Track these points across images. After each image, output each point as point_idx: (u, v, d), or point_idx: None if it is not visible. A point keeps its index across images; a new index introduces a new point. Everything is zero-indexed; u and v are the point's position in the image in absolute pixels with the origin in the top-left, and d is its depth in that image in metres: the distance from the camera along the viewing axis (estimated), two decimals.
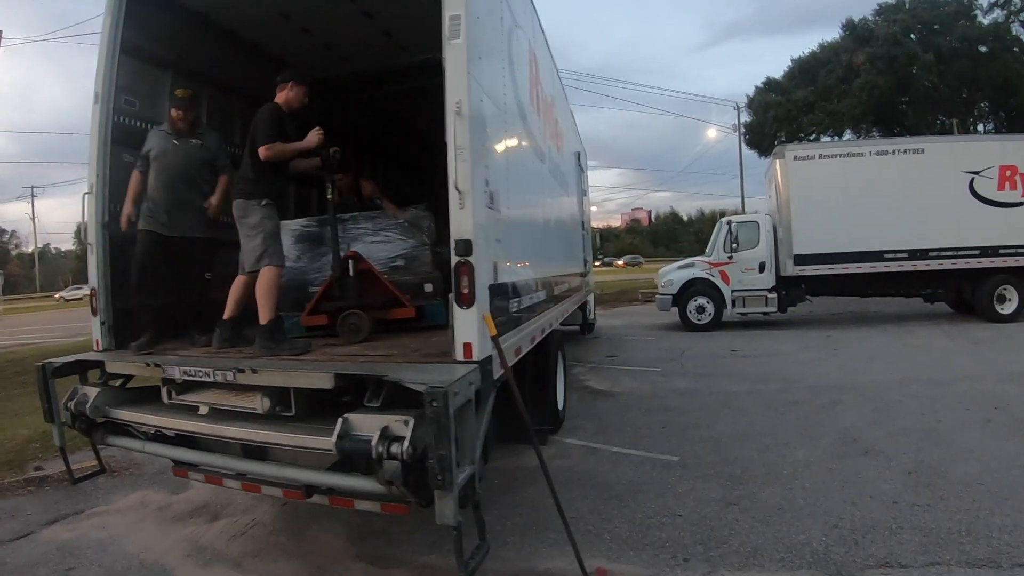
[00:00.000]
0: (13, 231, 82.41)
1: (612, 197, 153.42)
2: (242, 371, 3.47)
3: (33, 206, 70.86)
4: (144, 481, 5.83)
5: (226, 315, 4.47)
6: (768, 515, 4.40)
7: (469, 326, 3.27)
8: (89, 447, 4.58)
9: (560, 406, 6.67)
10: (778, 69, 39.07)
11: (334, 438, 2.94)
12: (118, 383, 4.35)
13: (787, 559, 3.79)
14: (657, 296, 15.64)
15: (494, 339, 3.37)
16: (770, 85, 34.86)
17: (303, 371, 3.41)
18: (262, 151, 4.26)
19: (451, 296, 3.31)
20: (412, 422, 2.84)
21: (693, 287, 14.72)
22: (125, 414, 4.04)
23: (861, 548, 3.85)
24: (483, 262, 3.34)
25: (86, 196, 4.58)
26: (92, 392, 4.13)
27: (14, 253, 79.58)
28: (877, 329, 13.52)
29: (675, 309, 14.93)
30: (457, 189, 3.19)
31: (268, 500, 5.05)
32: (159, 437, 4.14)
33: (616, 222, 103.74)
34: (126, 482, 5.85)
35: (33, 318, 36.32)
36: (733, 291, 14.45)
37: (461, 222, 3.23)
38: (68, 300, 54.47)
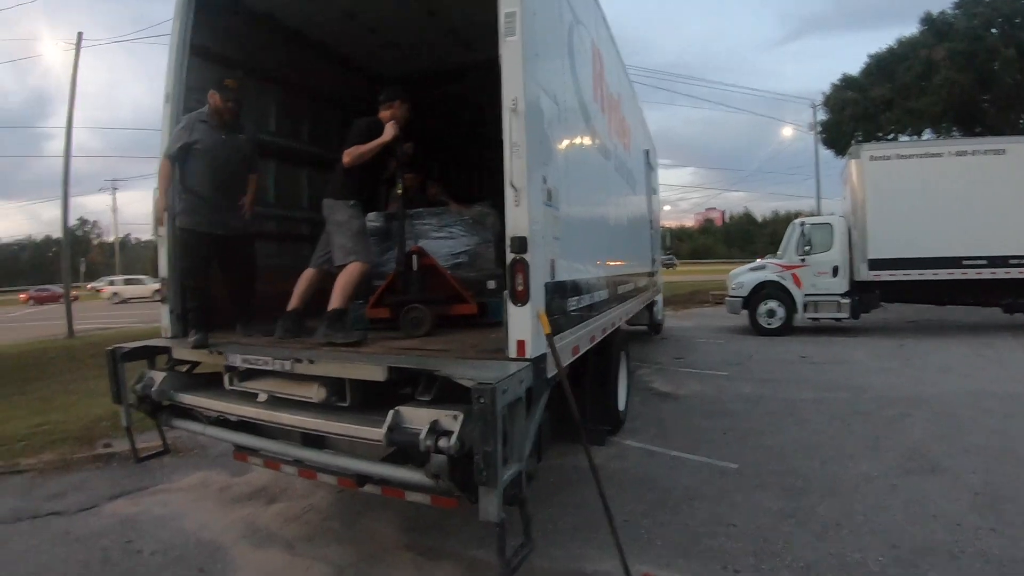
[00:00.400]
0: (95, 221, 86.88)
1: (686, 196, 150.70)
2: (299, 361, 3.57)
3: (114, 198, 73.88)
4: (207, 462, 6.05)
5: (290, 307, 4.58)
6: (825, 530, 4.25)
7: (523, 324, 3.26)
8: (156, 428, 4.78)
9: (621, 407, 6.60)
10: (856, 65, 37.63)
11: (384, 429, 2.99)
12: (184, 369, 4.52)
13: None
14: (727, 298, 15.23)
15: (548, 337, 3.34)
16: (847, 82, 33.46)
17: (358, 363, 3.46)
18: (343, 157, 4.44)
19: (506, 293, 3.30)
20: (461, 417, 2.86)
21: (764, 290, 14.30)
22: (188, 398, 4.20)
23: (919, 571, 3.68)
24: (539, 259, 3.32)
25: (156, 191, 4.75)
26: (159, 376, 4.32)
27: (96, 242, 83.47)
28: (953, 339, 12.88)
29: (745, 312, 14.53)
30: (512, 186, 3.19)
31: (324, 487, 5.16)
32: (221, 422, 4.24)
33: (690, 222, 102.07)
34: (190, 462, 6.10)
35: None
36: (805, 295, 13.96)
37: (516, 219, 3.22)
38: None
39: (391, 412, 3.03)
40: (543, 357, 3.34)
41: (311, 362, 3.54)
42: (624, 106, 7.32)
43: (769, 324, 14.17)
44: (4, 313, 35.37)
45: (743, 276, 14.95)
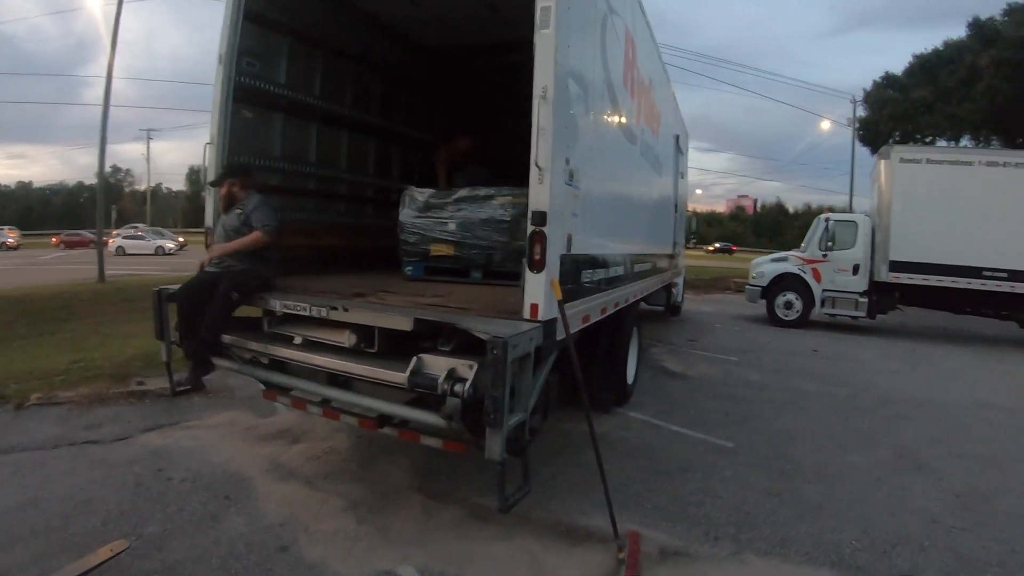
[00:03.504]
0: (128, 170, 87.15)
1: (720, 182, 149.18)
2: (335, 308, 3.93)
3: (148, 148, 74.45)
4: (234, 403, 6.45)
5: None
6: (806, 511, 4.52)
7: (537, 289, 3.60)
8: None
9: (629, 380, 6.90)
10: (901, 64, 36.77)
11: (407, 373, 3.36)
12: None
13: (813, 555, 3.93)
14: (747, 286, 15.45)
15: (560, 304, 3.68)
16: (889, 81, 32.86)
17: (388, 313, 3.82)
18: None
19: (525, 260, 3.63)
20: (476, 367, 3.23)
21: (784, 281, 14.50)
22: (227, 338, 4.53)
23: (888, 558, 3.93)
24: (556, 233, 3.64)
25: (207, 146, 5.06)
26: None
27: (127, 190, 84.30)
28: (965, 349, 12.98)
29: (763, 302, 14.77)
30: (538, 166, 3.51)
31: (344, 431, 5.57)
32: (254, 362, 4.61)
33: (721, 207, 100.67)
34: (218, 403, 6.49)
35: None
36: (823, 290, 14.11)
37: (538, 195, 3.55)
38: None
39: (414, 358, 3.40)
40: (553, 321, 3.68)
41: (346, 310, 3.90)
42: (656, 91, 7.51)
43: (785, 316, 14.37)
44: (36, 256, 36.23)
45: (764, 266, 15.14)
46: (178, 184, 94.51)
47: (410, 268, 5.87)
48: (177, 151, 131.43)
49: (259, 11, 5.35)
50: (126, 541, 3.59)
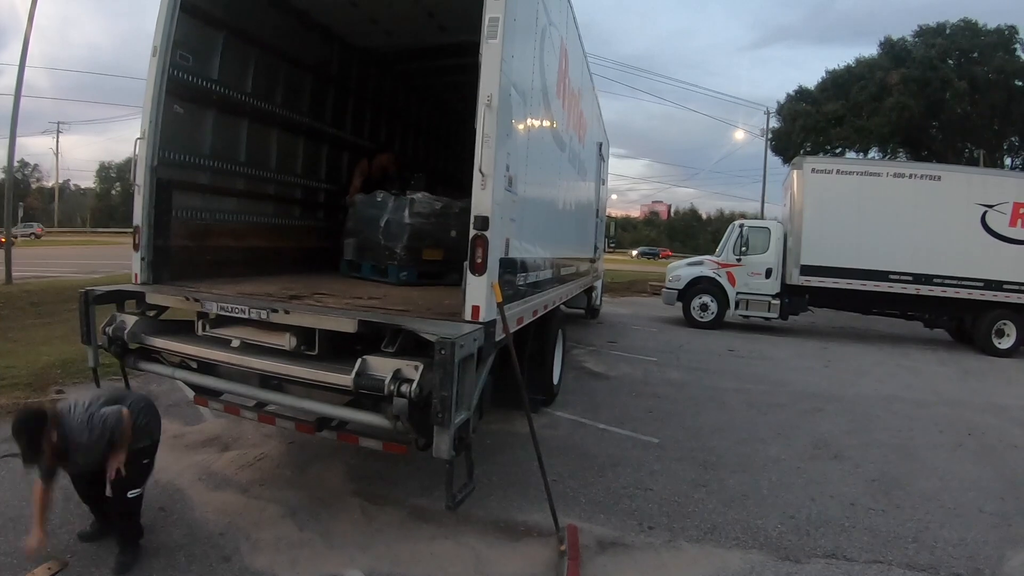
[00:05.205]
0: (36, 165, 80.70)
1: (636, 187, 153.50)
2: (275, 311, 3.89)
3: (58, 142, 69.97)
4: (159, 412, 6.18)
5: None
6: (732, 499, 4.79)
7: (479, 291, 3.70)
8: (115, 375, 4.96)
9: (555, 381, 7.07)
10: (814, 79, 38.79)
11: (353, 375, 3.38)
12: (153, 314, 4.72)
13: (742, 539, 4.18)
14: (664, 289, 15.97)
15: (499, 306, 3.79)
16: (802, 94, 34.59)
17: (331, 315, 3.82)
18: None
19: (466, 264, 3.71)
20: (421, 368, 3.29)
21: (699, 284, 15.08)
22: (160, 342, 4.40)
23: (812, 539, 4.23)
24: (497, 237, 3.75)
25: (138, 141, 4.83)
26: (130, 320, 4.51)
27: (34, 187, 78.71)
28: (873, 347, 13.80)
29: (680, 304, 15.29)
30: (481, 172, 3.61)
31: (276, 438, 5.49)
32: (183, 366, 4.50)
33: (636, 212, 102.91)
34: None
35: (47, 252, 36.56)
36: (738, 293, 14.77)
37: (481, 200, 3.65)
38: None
39: (359, 360, 3.43)
40: (493, 322, 3.80)
41: (287, 312, 3.87)
42: (583, 100, 7.77)
43: (701, 317, 14.99)
44: None
45: (680, 270, 15.74)
46: (87, 181, 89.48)
47: (405, 273, 6.00)
48: (87, 146, 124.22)
49: (195, 3, 5.18)
50: (62, 560, 3.45)
